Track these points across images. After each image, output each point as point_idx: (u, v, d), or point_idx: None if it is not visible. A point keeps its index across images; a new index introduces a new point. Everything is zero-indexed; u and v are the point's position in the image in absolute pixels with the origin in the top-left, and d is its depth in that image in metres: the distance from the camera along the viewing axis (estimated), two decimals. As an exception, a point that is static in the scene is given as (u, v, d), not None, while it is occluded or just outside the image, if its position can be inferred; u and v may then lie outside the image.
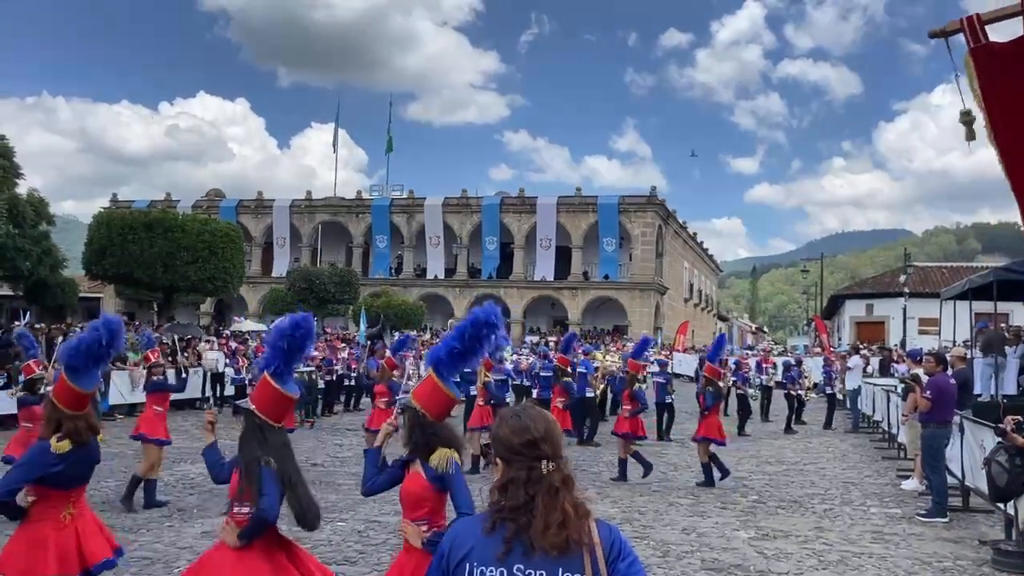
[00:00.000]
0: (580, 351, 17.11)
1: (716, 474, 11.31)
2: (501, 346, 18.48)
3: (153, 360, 10.27)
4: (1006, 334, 14.15)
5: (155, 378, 9.93)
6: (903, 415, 11.78)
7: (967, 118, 3.75)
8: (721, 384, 12.49)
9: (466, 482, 3.84)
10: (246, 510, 3.92)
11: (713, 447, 11.45)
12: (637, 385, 12.18)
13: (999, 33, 3.70)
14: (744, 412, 18.50)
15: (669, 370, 18.82)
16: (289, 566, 3.99)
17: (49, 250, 36.31)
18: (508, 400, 13.90)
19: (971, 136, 3.79)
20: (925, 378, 10.05)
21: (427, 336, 37.59)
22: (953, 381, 10.03)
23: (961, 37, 3.72)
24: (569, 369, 14.60)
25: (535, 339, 40.11)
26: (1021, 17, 3.69)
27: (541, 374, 15.99)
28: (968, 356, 13.45)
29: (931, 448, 9.40)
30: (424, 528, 3.81)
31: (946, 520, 9.17)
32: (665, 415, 16.83)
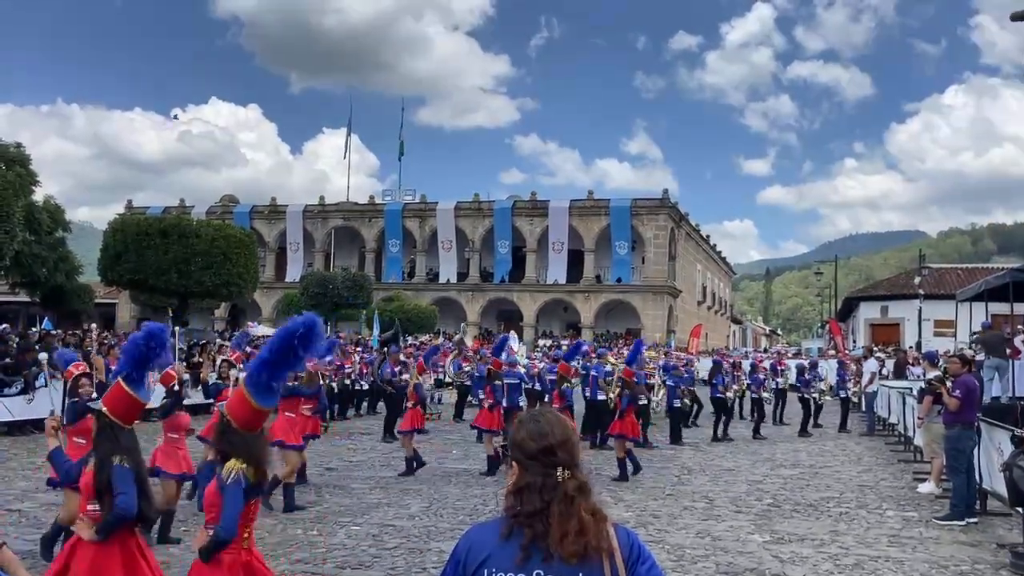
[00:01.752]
0: (595, 355, 17.09)
1: (628, 468, 11.90)
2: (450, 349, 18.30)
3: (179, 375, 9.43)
4: (1006, 335, 14.05)
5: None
6: (919, 417, 11.70)
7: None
8: (637, 386, 13.05)
9: (239, 503, 3.79)
10: (99, 507, 4.10)
11: (629, 444, 12.19)
12: (566, 385, 13.06)
13: None
14: (759, 415, 18.42)
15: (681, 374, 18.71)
16: (142, 562, 4.16)
17: (65, 256, 36.65)
18: (521, 404, 13.87)
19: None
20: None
21: (440, 340, 37.64)
22: (976, 382, 9.96)
23: None
24: (573, 376, 14.67)
25: (547, 343, 40.09)
26: None
27: (548, 378, 15.96)
28: (978, 359, 13.38)
29: (956, 450, 9.27)
30: (212, 532, 3.84)
31: (963, 523, 9.09)
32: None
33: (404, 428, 12.27)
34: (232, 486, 3.81)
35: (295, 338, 3.81)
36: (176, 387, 8.67)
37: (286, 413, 9.89)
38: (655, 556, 2.29)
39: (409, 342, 28.23)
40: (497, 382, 12.81)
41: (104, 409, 4.23)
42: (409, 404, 12.40)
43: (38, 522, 8.48)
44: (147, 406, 4.43)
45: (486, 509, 9.60)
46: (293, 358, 3.89)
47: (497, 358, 14.36)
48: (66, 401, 8.29)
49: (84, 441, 6.86)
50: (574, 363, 15.19)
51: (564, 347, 31.51)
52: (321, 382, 11.62)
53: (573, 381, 14.82)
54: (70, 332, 24.35)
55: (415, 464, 11.94)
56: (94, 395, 7.09)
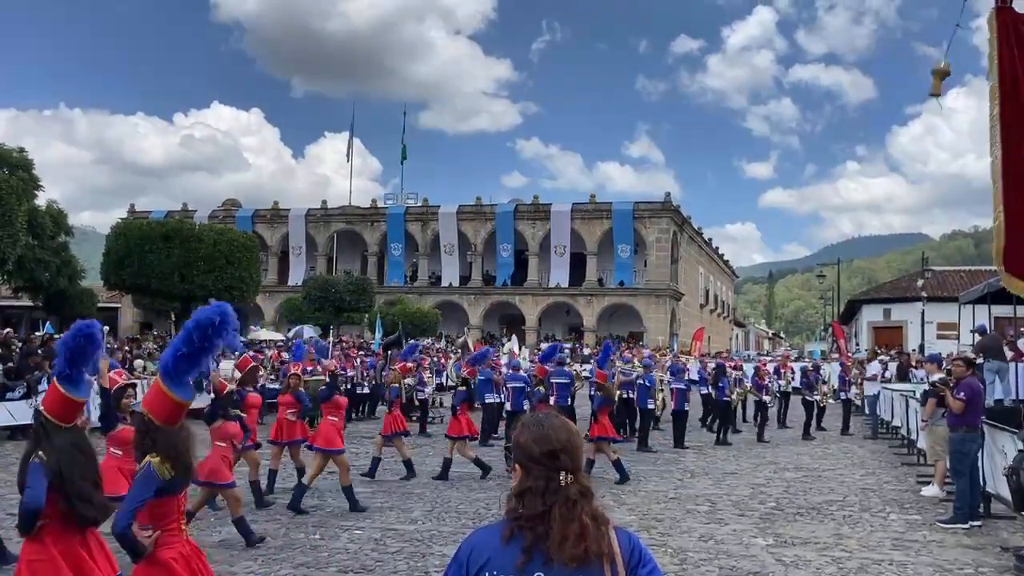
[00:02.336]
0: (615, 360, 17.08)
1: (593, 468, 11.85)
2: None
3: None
4: (1008, 337, 14.06)
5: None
6: (923, 420, 11.68)
7: (941, 70, 3.71)
8: (608, 386, 13.11)
9: (141, 495, 3.81)
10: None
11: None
12: (538, 387, 13.29)
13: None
14: (763, 419, 18.40)
15: (687, 377, 18.70)
16: (90, 562, 4.20)
17: (68, 261, 36.75)
18: (525, 408, 13.87)
19: (936, 91, 3.75)
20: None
21: (441, 343, 37.66)
22: (980, 385, 9.95)
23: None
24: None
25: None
26: None
27: (554, 381, 15.93)
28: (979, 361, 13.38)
29: (960, 453, 9.24)
30: (148, 534, 3.85)
31: (967, 527, 9.06)
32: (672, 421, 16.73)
33: (384, 432, 12.21)
34: (141, 478, 3.82)
35: (209, 328, 3.78)
36: (225, 393, 8.54)
37: (329, 418, 9.93)
38: (656, 559, 2.28)
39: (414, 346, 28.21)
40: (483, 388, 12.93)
41: (43, 409, 4.28)
42: (395, 409, 12.34)
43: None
44: (81, 402, 4.37)
45: (488, 513, 9.59)
46: (207, 348, 3.85)
47: (473, 368, 14.36)
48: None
49: (121, 452, 6.72)
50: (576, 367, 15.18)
51: (566, 350, 31.51)
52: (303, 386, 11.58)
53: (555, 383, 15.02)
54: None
55: (408, 468, 11.99)
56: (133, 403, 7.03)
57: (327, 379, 11.68)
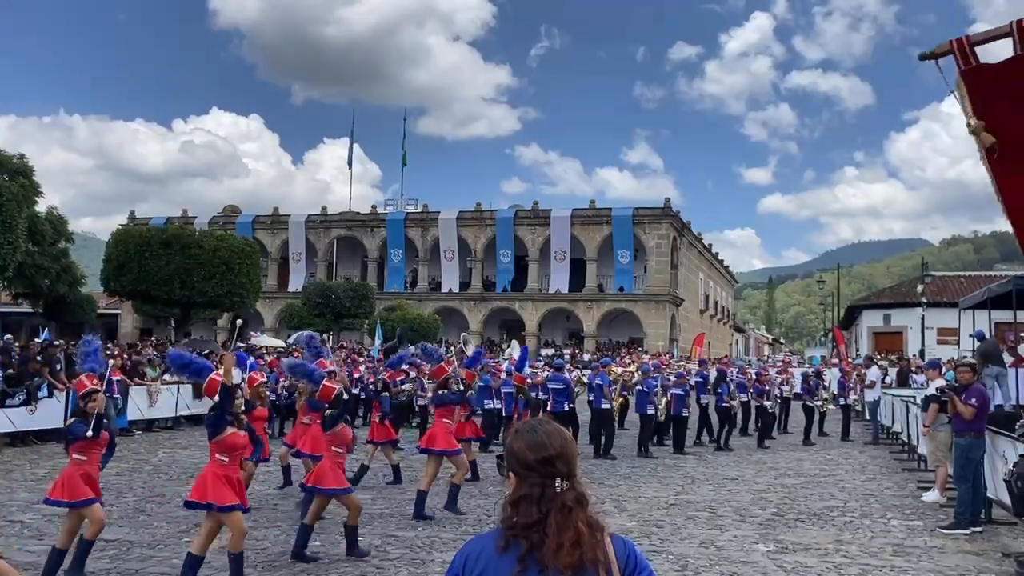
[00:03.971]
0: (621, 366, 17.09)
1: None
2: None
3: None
4: (1009, 343, 14.05)
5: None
6: (925, 426, 11.67)
7: (974, 128, 3.72)
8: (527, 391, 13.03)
9: None
10: None
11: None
12: (470, 392, 12.78)
13: (990, 55, 3.69)
14: (765, 425, 18.39)
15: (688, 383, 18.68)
16: None
17: (68, 267, 36.72)
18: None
19: (988, 142, 3.74)
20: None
21: (442, 349, 37.56)
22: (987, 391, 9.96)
23: (951, 60, 3.71)
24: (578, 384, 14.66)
25: (549, 352, 40.05)
26: (1011, 39, 3.66)
27: (551, 386, 15.95)
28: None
29: (966, 459, 9.23)
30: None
31: (968, 533, 9.05)
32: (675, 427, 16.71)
33: (371, 438, 12.09)
34: None
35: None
36: (342, 397, 8.35)
37: (444, 420, 9.96)
38: (657, 566, 2.28)
39: (411, 351, 28.18)
40: (469, 393, 12.84)
41: None
42: (375, 417, 12.14)
43: (40, 533, 8.47)
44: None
45: (488, 520, 9.57)
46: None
47: (470, 371, 14.21)
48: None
49: (227, 459, 6.57)
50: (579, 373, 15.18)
51: (566, 355, 31.53)
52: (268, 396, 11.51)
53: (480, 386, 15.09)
54: (74, 343, 24.35)
55: (395, 474, 11.81)
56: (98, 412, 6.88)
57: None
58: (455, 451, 9.79)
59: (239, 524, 6.61)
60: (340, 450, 7.90)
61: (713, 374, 19.88)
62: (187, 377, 9.37)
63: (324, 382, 8.76)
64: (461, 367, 12.08)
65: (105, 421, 7.12)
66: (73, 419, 7.02)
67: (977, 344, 15.00)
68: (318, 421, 10.08)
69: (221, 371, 6.98)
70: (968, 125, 3.71)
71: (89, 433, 6.74)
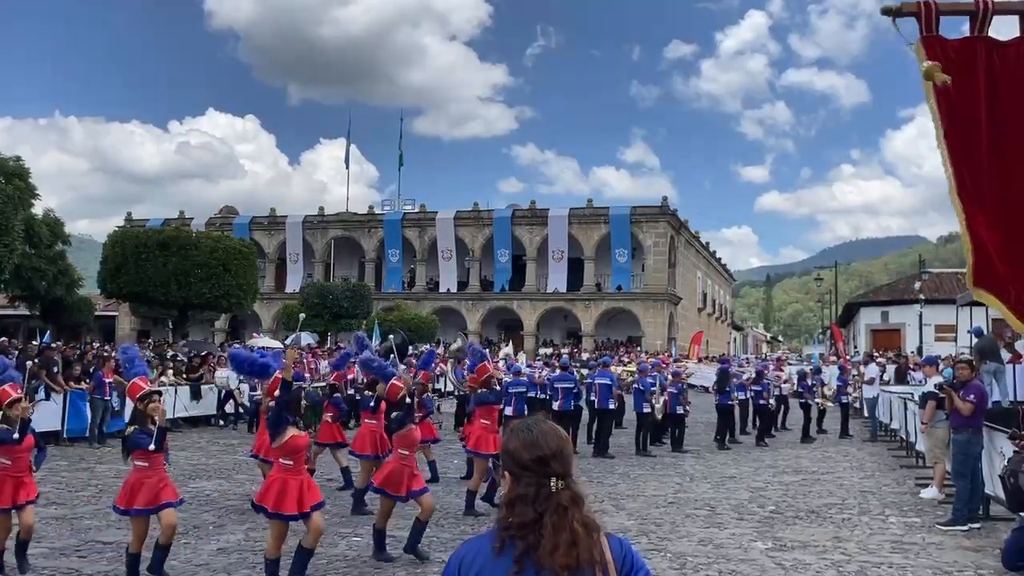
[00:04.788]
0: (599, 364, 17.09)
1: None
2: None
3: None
4: (1007, 339, 14.06)
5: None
6: (922, 423, 11.68)
7: (927, 69, 3.66)
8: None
9: None
10: None
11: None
12: (427, 395, 12.74)
13: (952, 31, 3.66)
14: (765, 422, 18.39)
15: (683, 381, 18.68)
16: None
17: (65, 270, 36.68)
18: (524, 413, 13.86)
19: (942, 80, 3.69)
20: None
21: (440, 349, 37.59)
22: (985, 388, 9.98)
23: (912, 22, 3.66)
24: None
25: (548, 351, 40.04)
26: (968, 18, 3.62)
27: (558, 386, 15.95)
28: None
29: (965, 455, 9.23)
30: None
31: (966, 529, 9.06)
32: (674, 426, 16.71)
33: (318, 440, 11.55)
34: None
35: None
36: (408, 399, 8.22)
37: (483, 421, 10.01)
38: (655, 564, 2.27)
39: (409, 351, 28.21)
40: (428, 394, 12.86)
41: None
42: (328, 417, 11.79)
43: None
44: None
45: (488, 519, 9.56)
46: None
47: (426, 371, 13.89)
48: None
49: (291, 463, 6.45)
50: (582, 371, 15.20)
51: (565, 354, 31.51)
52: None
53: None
54: (71, 345, 24.33)
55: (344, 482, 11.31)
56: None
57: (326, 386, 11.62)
58: (484, 454, 9.94)
59: (281, 533, 6.58)
60: (406, 452, 7.76)
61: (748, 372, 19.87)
62: (251, 377, 9.35)
63: (393, 380, 8.66)
64: (463, 367, 12.07)
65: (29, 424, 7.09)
66: (133, 427, 6.77)
67: (975, 340, 15.01)
68: (367, 420, 10.15)
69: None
70: (922, 67, 3.67)
71: (152, 446, 6.57)
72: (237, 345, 20.26)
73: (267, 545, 6.73)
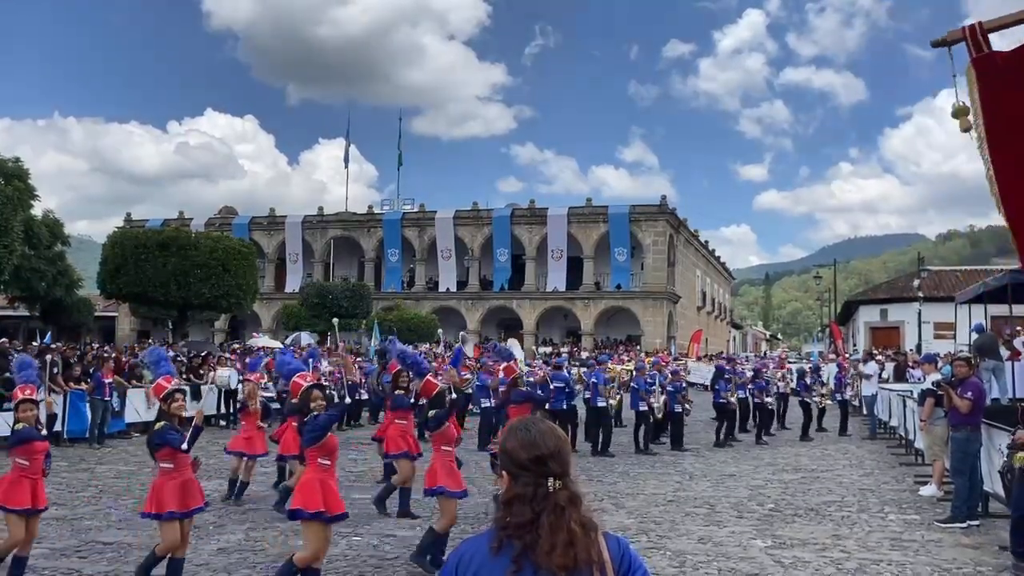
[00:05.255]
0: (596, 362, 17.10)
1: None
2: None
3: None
4: (1006, 336, 14.08)
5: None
6: (921, 420, 11.69)
7: (961, 113, 3.65)
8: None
9: None
10: None
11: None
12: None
13: (1006, 40, 3.61)
14: (763, 420, 18.40)
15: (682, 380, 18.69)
16: None
17: (64, 270, 36.70)
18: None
19: (965, 127, 3.68)
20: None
21: (440, 349, 37.62)
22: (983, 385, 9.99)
23: (963, 47, 3.63)
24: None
25: (547, 350, 40.06)
26: None
27: (553, 385, 15.96)
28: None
29: (963, 452, 9.24)
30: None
31: (965, 526, 9.08)
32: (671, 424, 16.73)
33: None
34: None
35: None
36: (444, 395, 8.12)
37: (396, 421, 9.93)
38: (655, 562, 2.28)
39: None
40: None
41: None
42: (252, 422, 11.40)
43: (37, 536, 8.45)
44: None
45: (487, 519, 9.57)
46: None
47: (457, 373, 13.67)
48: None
49: (328, 462, 6.36)
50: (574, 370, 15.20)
51: (563, 353, 31.50)
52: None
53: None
54: (71, 346, 24.34)
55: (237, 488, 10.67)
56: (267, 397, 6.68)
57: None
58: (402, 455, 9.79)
59: (324, 535, 6.36)
60: (449, 448, 7.70)
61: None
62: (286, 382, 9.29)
63: (428, 377, 8.57)
64: (462, 367, 12.01)
65: (39, 427, 6.84)
66: (163, 423, 6.48)
67: (975, 337, 15.02)
68: (396, 420, 10.04)
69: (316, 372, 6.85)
70: (956, 108, 3.64)
71: (184, 446, 6.30)
72: (285, 351, 20.05)
73: (303, 552, 6.28)
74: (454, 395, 8.34)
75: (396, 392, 10.47)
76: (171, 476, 6.38)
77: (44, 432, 6.64)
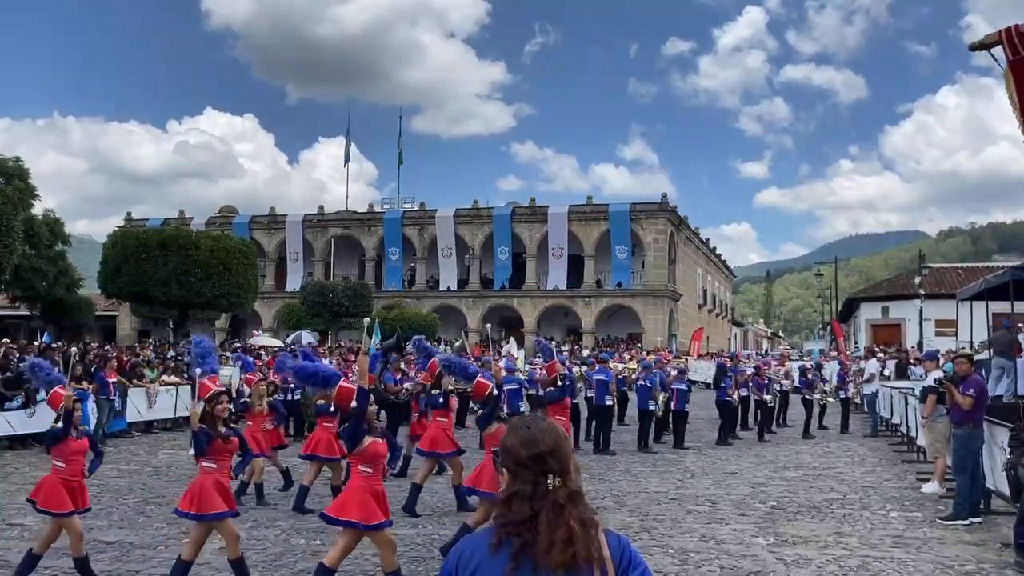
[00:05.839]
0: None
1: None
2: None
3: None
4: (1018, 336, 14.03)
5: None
6: (923, 417, 11.68)
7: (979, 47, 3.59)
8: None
9: None
10: None
11: None
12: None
13: None
14: (765, 418, 18.39)
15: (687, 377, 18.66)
16: None
17: (65, 270, 36.72)
18: (522, 410, 13.88)
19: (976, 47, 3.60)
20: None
21: (441, 347, 37.62)
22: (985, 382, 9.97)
23: (1000, 50, 3.61)
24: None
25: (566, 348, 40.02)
26: None
27: (595, 378, 15.98)
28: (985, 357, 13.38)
29: (965, 449, 9.23)
30: None
31: (967, 523, 9.07)
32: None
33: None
34: None
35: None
36: (495, 395, 8.11)
37: (558, 418, 10.11)
38: (657, 560, 2.28)
39: (408, 350, 28.21)
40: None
41: None
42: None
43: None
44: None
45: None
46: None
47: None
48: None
49: (371, 470, 6.29)
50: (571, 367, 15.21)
51: (564, 352, 31.48)
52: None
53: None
54: (72, 345, 24.34)
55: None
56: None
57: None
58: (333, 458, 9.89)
59: (388, 539, 6.38)
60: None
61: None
62: (314, 388, 9.18)
63: (479, 378, 8.51)
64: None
65: (84, 427, 6.79)
66: (201, 427, 6.44)
67: (994, 332, 14.95)
68: (439, 418, 10.12)
69: (352, 376, 6.78)
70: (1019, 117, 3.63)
71: (192, 453, 6.33)
72: (283, 352, 20.07)
73: (330, 553, 6.33)
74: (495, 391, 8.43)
75: (433, 392, 10.72)
76: (211, 476, 6.33)
77: (78, 432, 6.54)
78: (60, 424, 6.53)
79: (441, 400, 10.58)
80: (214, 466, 6.36)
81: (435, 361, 10.95)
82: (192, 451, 6.32)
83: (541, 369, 15.16)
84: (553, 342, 45.20)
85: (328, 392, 8.56)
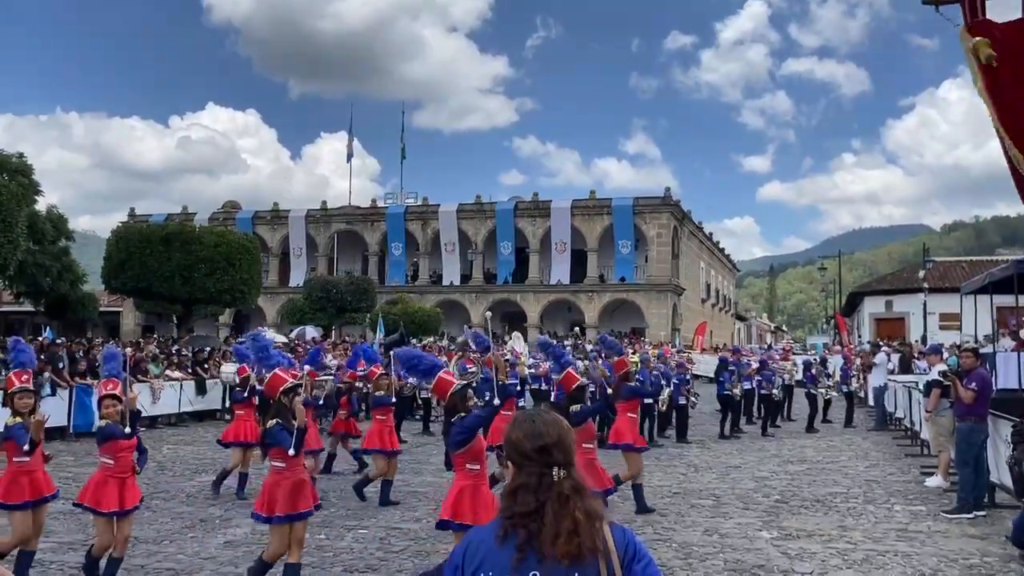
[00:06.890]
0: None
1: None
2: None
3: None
4: (1011, 327, 13.98)
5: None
6: (927, 411, 11.67)
7: (974, 45, 3.58)
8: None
9: None
10: None
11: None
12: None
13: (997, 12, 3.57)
14: (768, 412, 18.38)
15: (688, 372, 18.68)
16: None
17: (69, 266, 36.74)
18: (524, 404, 13.89)
19: (985, 55, 3.59)
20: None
21: (444, 342, 37.65)
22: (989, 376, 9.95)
23: (957, 9, 3.59)
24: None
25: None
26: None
27: (552, 376, 15.96)
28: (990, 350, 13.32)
29: (967, 443, 9.22)
30: None
31: (971, 517, 9.06)
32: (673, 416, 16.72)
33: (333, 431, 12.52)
34: None
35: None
36: (585, 389, 8.02)
37: (629, 415, 10.06)
38: (661, 554, 2.28)
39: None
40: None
41: None
42: (341, 413, 12.26)
43: (46, 531, 8.48)
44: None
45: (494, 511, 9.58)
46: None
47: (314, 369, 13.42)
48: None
49: (478, 467, 6.06)
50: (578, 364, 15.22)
51: (567, 346, 31.46)
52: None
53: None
54: (76, 341, 24.37)
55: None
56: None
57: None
58: (641, 448, 9.89)
59: None
60: (590, 445, 7.54)
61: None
62: (417, 377, 9.07)
63: (569, 370, 8.35)
64: (466, 360, 11.98)
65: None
66: (275, 422, 6.17)
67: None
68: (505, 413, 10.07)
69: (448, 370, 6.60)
70: (967, 46, 3.59)
71: (292, 452, 6.03)
72: (361, 341, 19.87)
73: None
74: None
75: (510, 383, 10.85)
76: (283, 475, 6.11)
77: (128, 429, 6.34)
78: (128, 428, 6.33)
79: (518, 389, 10.43)
80: (283, 465, 6.13)
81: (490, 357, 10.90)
82: (292, 450, 6.03)
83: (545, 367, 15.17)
84: (562, 339, 45.21)
85: (427, 383, 8.31)
